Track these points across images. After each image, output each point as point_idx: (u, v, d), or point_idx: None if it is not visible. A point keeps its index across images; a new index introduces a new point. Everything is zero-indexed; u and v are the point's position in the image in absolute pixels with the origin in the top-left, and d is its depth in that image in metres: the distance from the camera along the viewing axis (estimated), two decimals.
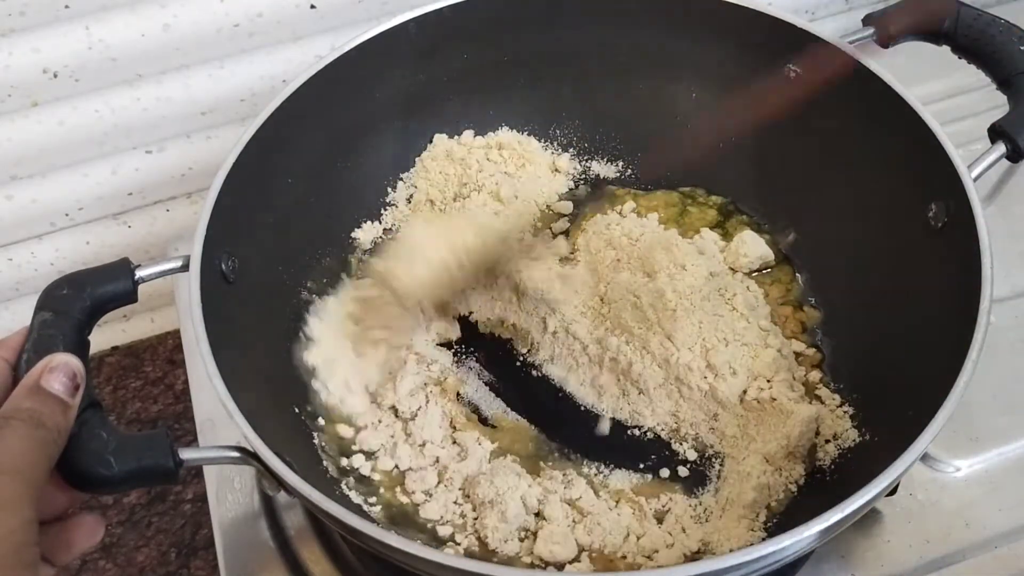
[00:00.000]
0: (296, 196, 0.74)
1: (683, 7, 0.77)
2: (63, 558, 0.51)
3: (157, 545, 0.80)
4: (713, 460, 0.66)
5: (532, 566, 0.60)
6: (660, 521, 0.63)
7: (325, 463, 0.65)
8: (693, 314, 0.68)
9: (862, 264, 0.72)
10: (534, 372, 0.72)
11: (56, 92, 0.78)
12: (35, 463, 0.46)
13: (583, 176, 0.84)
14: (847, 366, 0.69)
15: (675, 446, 0.67)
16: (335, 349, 0.69)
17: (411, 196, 0.81)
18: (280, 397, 0.66)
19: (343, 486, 0.65)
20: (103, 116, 0.81)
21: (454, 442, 0.67)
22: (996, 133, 0.64)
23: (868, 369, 0.67)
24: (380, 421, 0.68)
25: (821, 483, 0.63)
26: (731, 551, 0.50)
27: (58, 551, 0.50)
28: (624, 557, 0.60)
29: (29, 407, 0.48)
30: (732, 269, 0.75)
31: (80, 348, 0.53)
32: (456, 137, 0.82)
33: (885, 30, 0.71)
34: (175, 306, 0.82)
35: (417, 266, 0.68)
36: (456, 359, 0.73)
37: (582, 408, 0.69)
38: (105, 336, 0.93)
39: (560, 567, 0.60)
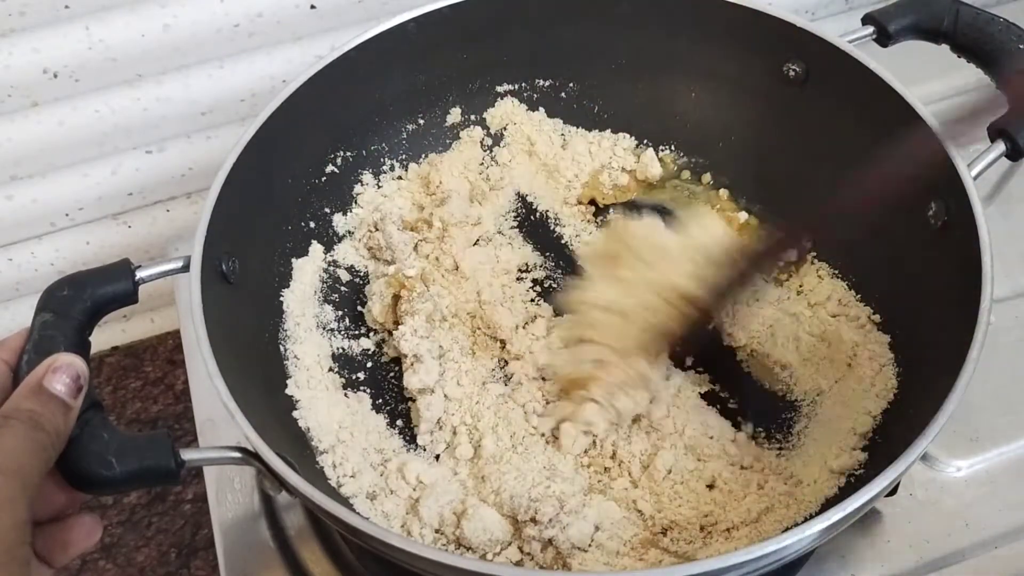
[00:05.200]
0: (296, 196, 0.74)
1: (683, 7, 0.77)
2: (60, 559, 0.51)
3: (157, 545, 0.80)
4: None
5: None
6: None
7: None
8: None
9: (861, 263, 0.72)
10: None
11: (56, 92, 0.78)
12: (31, 465, 0.46)
13: None
14: None
15: None
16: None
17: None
18: (280, 397, 0.66)
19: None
20: (103, 116, 0.81)
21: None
22: (996, 132, 0.64)
23: None
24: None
25: None
26: (731, 551, 0.50)
27: (55, 551, 0.50)
28: None
29: (29, 408, 0.48)
30: None
31: (81, 349, 0.53)
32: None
33: (885, 29, 0.71)
34: (175, 306, 0.82)
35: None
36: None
37: None
38: (105, 336, 0.93)
39: None
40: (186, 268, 0.60)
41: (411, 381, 0.67)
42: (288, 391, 0.66)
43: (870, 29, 0.72)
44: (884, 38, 0.71)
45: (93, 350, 0.56)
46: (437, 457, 0.66)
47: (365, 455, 0.65)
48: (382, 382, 0.71)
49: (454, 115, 0.82)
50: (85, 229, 0.88)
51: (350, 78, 0.74)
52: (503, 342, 0.71)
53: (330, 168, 0.77)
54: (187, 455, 0.52)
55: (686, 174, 0.82)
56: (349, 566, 0.65)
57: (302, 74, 0.71)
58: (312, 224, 0.75)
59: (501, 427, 0.66)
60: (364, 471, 0.63)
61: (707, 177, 0.81)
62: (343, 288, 0.75)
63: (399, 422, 0.68)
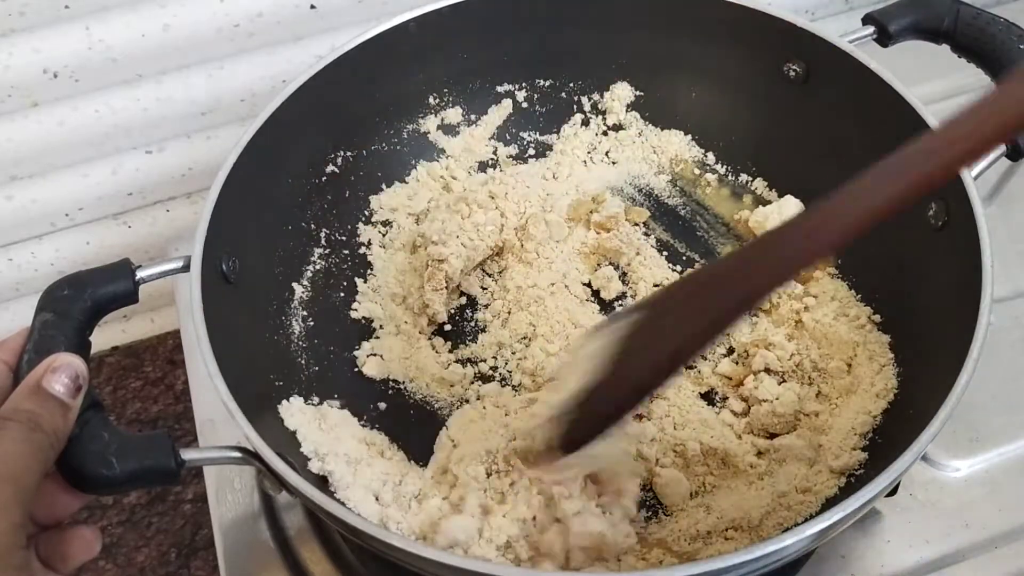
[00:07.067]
0: (296, 196, 0.74)
1: (684, 7, 0.77)
2: (61, 569, 0.51)
3: (157, 545, 0.80)
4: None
5: None
6: None
7: None
8: None
9: (861, 263, 0.72)
10: None
11: (56, 92, 0.78)
12: (28, 467, 0.46)
13: None
14: None
15: None
16: None
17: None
18: (281, 397, 0.66)
19: None
20: (103, 116, 0.81)
21: None
22: None
23: None
24: None
25: None
26: (731, 551, 0.50)
27: (55, 562, 0.50)
28: None
29: (28, 409, 0.48)
30: None
31: (81, 349, 0.53)
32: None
33: (885, 29, 0.71)
34: (175, 306, 0.82)
35: None
36: None
37: None
38: (105, 336, 0.93)
39: None
40: (186, 268, 0.60)
41: None
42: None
43: (870, 29, 0.72)
44: (884, 38, 0.71)
45: (93, 350, 0.56)
46: None
47: None
48: None
49: (454, 115, 0.82)
50: (85, 229, 0.88)
51: (350, 78, 0.74)
52: None
53: (330, 168, 0.77)
54: (187, 455, 0.52)
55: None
56: (349, 566, 0.65)
57: (302, 74, 0.71)
58: (312, 224, 0.75)
59: None
60: None
61: (709, 177, 0.81)
62: None
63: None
